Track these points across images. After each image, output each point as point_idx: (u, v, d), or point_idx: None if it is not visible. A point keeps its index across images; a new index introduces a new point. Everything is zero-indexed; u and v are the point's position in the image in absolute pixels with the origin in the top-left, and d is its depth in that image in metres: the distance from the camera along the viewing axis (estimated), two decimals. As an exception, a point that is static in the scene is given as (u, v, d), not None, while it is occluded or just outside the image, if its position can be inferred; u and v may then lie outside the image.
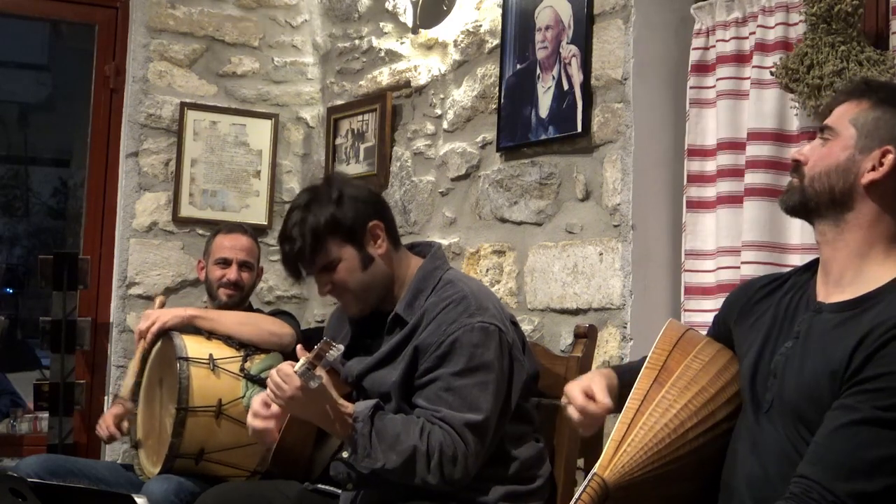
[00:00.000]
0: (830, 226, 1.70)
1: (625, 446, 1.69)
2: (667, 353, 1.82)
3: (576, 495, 1.64)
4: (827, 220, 1.70)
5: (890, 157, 1.65)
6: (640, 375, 1.79)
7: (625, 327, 2.78)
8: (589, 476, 1.67)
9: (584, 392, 1.84)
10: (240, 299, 3.28)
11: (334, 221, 2.25)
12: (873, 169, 1.65)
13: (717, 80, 2.67)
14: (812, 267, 1.81)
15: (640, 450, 1.69)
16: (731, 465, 1.75)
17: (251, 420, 2.28)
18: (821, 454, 1.53)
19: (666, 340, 1.85)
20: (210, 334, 3.04)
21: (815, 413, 1.58)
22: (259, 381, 2.90)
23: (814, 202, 1.71)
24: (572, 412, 1.85)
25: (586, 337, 2.47)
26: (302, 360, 2.06)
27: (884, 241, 1.67)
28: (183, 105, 4.03)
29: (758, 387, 1.73)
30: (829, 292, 1.70)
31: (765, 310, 1.81)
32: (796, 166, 1.75)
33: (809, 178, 1.71)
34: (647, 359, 1.82)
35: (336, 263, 2.27)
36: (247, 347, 3.02)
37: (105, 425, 3.13)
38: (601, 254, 2.89)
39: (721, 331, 1.94)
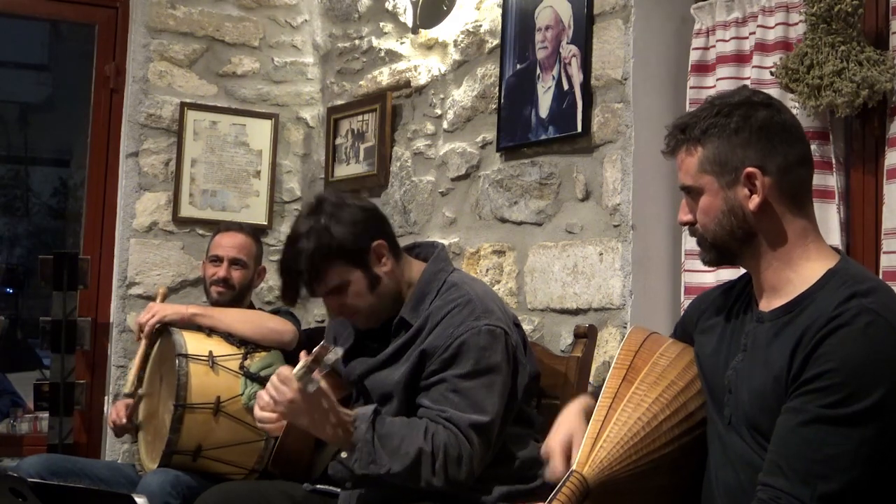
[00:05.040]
0: (750, 258, 1.74)
1: (601, 442, 1.70)
2: (633, 353, 1.84)
3: (553, 493, 1.64)
4: (745, 256, 1.74)
5: (756, 178, 1.67)
6: (608, 376, 1.80)
7: (625, 327, 2.78)
8: (567, 474, 1.66)
9: (564, 449, 1.81)
10: (232, 297, 3.23)
11: (339, 248, 2.21)
12: (752, 194, 1.68)
13: (717, 80, 2.67)
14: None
15: (617, 444, 1.69)
16: (709, 473, 1.76)
17: (259, 412, 2.24)
18: (777, 461, 1.55)
19: (631, 342, 1.87)
20: (210, 331, 3.03)
21: (769, 422, 1.61)
22: (258, 379, 2.89)
23: (725, 249, 1.75)
24: (551, 475, 1.82)
25: (586, 337, 2.48)
26: (300, 364, 2.05)
27: (799, 241, 1.70)
28: (183, 105, 4.03)
29: (717, 402, 1.75)
30: (768, 300, 1.73)
31: (718, 323, 1.83)
32: (691, 229, 1.79)
33: (710, 233, 1.75)
34: (614, 360, 1.83)
35: (344, 287, 2.24)
36: (247, 345, 3.00)
37: (118, 414, 3.09)
38: (601, 254, 2.89)
39: (684, 337, 1.96)
